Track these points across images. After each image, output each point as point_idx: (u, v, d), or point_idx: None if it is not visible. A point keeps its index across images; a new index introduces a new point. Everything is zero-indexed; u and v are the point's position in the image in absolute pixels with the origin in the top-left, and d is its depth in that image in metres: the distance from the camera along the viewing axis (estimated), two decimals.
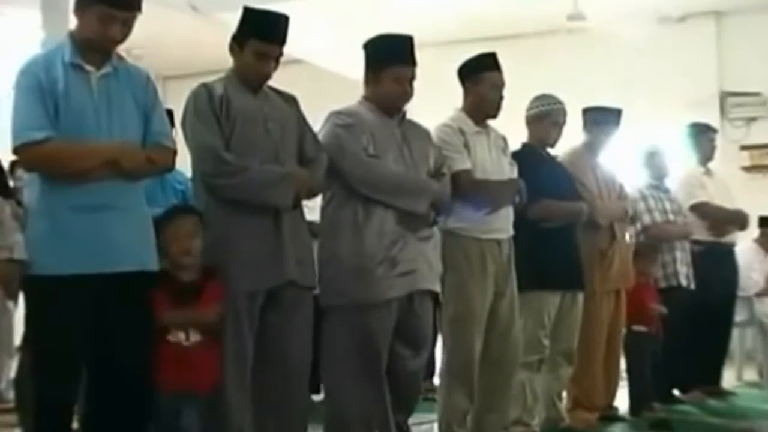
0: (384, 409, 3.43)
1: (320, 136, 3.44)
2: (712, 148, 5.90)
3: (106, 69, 2.77)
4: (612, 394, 4.80)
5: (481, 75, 4.02)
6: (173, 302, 2.89)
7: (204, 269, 3.01)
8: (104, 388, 2.75)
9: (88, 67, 2.73)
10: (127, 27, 2.77)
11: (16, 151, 2.67)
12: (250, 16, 3.21)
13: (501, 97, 4.04)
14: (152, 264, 2.82)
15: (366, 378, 3.37)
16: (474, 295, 3.80)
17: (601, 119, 4.91)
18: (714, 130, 6.02)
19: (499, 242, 3.89)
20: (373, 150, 3.46)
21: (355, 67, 9.80)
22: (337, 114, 3.56)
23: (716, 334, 5.59)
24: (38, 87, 2.65)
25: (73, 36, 2.77)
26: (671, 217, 5.33)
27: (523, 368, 4.12)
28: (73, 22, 5.75)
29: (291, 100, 3.41)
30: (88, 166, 2.64)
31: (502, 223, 3.92)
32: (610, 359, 4.68)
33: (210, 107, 3.10)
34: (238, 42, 3.23)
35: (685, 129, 5.98)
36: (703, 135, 5.90)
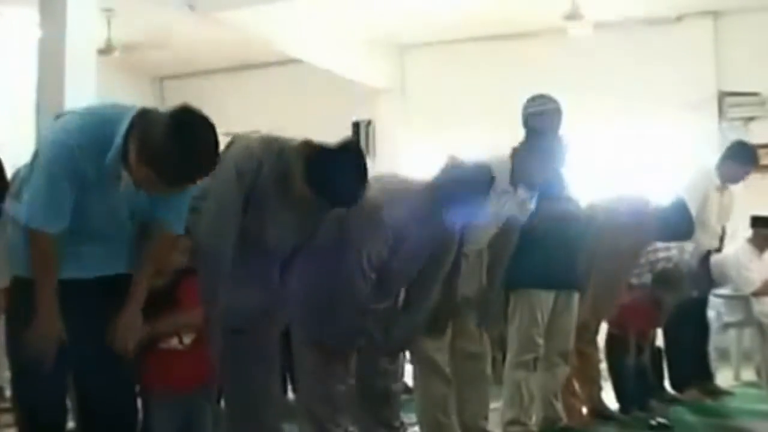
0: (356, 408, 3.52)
1: None
2: (738, 180, 5.78)
3: None
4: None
5: None
6: (151, 311, 2.83)
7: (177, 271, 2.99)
8: (89, 386, 2.74)
9: (124, 173, 2.58)
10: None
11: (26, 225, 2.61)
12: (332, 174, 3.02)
13: None
14: (123, 267, 2.78)
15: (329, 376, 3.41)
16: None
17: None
18: (753, 167, 5.82)
19: None
20: None
21: (355, 67, 9.84)
22: None
23: (697, 333, 5.63)
24: (71, 172, 2.53)
25: (126, 148, 2.54)
26: None
27: (518, 367, 4.16)
28: (70, 22, 5.74)
29: None
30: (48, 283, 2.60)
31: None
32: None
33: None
34: (310, 182, 3.02)
35: (735, 143, 5.87)
36: (743, 165, 5.70)
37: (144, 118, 2.51)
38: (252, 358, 3.12)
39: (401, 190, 3.52)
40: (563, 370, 4.42)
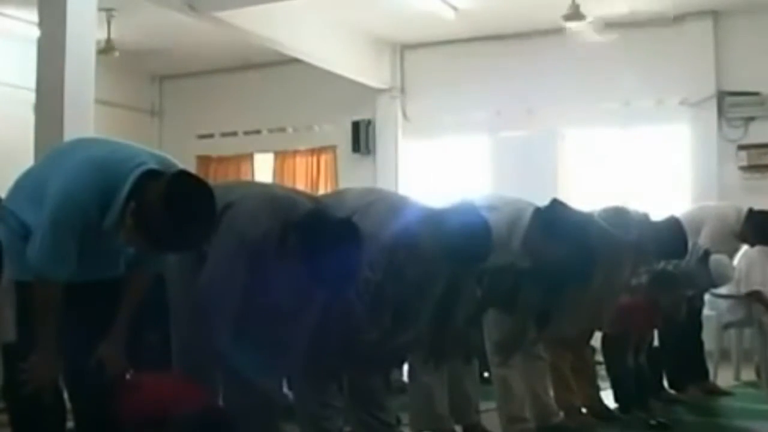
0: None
1: None
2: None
3: None
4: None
5: None
6: None
7: None
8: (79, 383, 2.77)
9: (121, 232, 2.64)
10: None
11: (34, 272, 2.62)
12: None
13: None
14: (117, 272, 2.81)
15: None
16: None
17: None
18: None
19: None
20: None
21: (355, 67, 9.83)
22: None
23: (692, 331, 5.64)
24: (77, 226, 2.58)
25: (124, 213, 2.56)
26: None
27: (500, 364, 4.18)
28: (70, 22, 5.74)
29: None
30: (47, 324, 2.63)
31: None
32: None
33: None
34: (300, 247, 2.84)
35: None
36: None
37: (143, 184, 2.53)
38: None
39: (393, 213, 3.41)
40: (542, 365, 4.40)
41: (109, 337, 2.76)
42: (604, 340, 4.96)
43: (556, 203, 3.97)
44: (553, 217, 3.88)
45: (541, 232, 3.84)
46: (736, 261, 5.97)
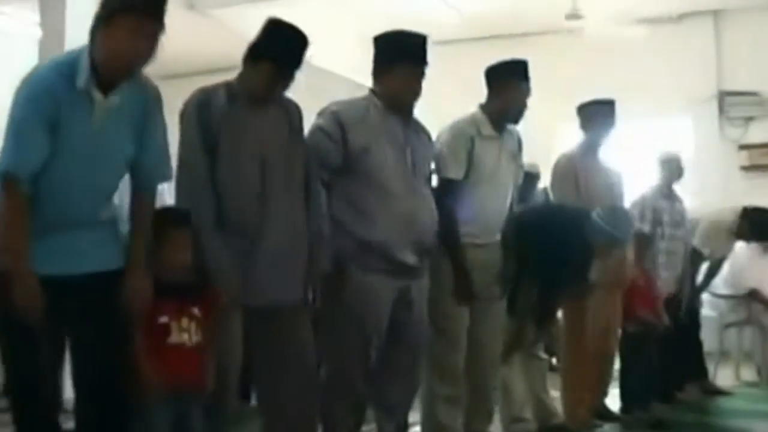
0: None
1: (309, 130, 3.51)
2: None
3: (114, 99, 2.68)
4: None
5: (510, 81, 3.98)
6: (169, 304, 2.85)
7: (200, 272, 2.98)
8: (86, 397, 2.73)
9: (97, 95, 2.62)
10: (153, 42, 2.80)
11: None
12: (272, 33, 3.22)
13: (525, 106, 3.99)
14: (115, 263, 2.74)
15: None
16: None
17: (595, 112, 4.91)
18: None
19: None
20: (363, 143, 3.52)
21: (355, 67, 9.84)
22: (333, 112, 3.58)
23: (689, 330, 5.65)
24: (43, 111, 2.52)
25: (92, 57, 2.61)
26: (668, 230, 5.36)
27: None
28: (70, 22, 5.74)
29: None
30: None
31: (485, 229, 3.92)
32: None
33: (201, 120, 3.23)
34: (253, 55, 3.24)
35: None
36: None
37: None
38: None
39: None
40: (542, 365, 4.40)
41: (129, 270, 2.70)
42: (623, 339, 4.88)
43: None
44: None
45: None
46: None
